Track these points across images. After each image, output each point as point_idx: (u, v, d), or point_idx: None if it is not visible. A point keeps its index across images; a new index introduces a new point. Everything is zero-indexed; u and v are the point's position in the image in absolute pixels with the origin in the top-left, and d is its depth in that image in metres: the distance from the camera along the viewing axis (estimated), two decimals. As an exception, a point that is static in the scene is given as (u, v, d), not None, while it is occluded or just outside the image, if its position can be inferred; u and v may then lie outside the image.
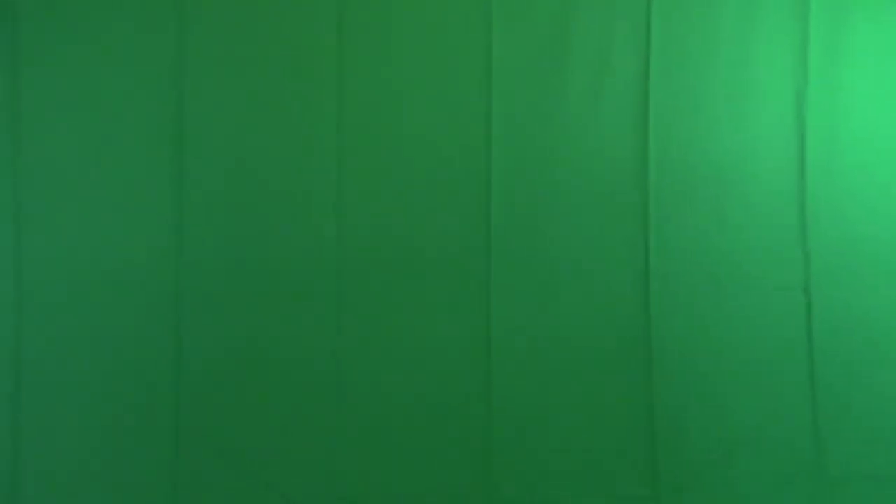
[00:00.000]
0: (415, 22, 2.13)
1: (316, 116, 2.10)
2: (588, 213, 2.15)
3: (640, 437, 2.14)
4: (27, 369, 2.02)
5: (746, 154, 2.19)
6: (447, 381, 2.11)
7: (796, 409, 2.18)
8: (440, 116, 2.13)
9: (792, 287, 2.19)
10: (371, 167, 2.11)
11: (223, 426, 2.06)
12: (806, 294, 2.20)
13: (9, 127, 2.04)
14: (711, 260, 2.18)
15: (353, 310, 2.09)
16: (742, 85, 2.20)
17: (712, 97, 2.19)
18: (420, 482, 2.10)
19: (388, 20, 2.13)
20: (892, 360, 2.22)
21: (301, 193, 2.10)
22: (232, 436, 2.06)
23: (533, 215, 2.14)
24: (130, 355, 2.04)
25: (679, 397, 2.16)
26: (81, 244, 2.04)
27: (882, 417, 2.21)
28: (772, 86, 2.21)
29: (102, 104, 2.06)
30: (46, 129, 2.05)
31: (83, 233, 2.05)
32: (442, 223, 2.12)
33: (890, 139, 2.25)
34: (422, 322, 2.11)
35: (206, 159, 2.07)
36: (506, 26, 2.14)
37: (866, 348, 2.21)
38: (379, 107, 2.12)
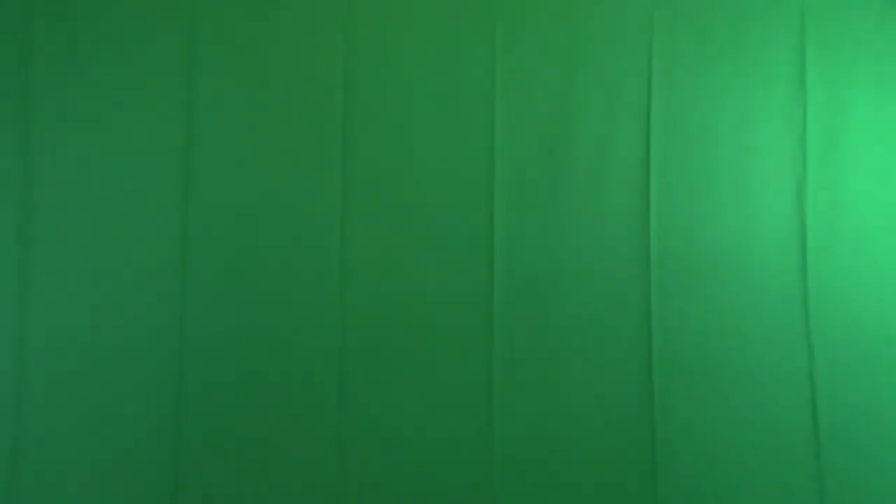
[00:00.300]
0: (420, 101, 2.14)
1: (322, 184, 2.08)
2: (590, 295, 2.13)
3: None
4: (28, 439, 1.96)
5: (748, 242, 2.19)
6: (450, 457, 2.05)
7: (803, 496, 2.12)
8: (444, 195, 2.12)
9: (796, 376, 2.16)
10: (375, 237, 2.09)
11: (223, 484, 1.99)
12: (811, 382, 2.17)
13: (18, 185, 2.01)
14: (714, 348, 2.16)
15: (355, 382, 2.05)
16: (742, 173, 2.22)
17: (713, 184, 2.20)
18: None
19: (392, 94, 2.13)
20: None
21: (304, 252, 2.07)
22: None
23: (535, 295, 2.12)
24: (131, 429, 1.98)
25: (683, 482, 2.10)
26: (86, 317, 2.00)
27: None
28: (772, 174, 2.22)
29: (110, 170, 2.04)
30: (55, 183, 2.02)
31: (88, 306, 2.00)
32: (444, 301, 2.09)
33: (889, 229, 2.26)
34: (424, 394, 2.07)
35: (209, 221, 2.04)
36: (509, 106, 2.15)
37: (873, 438, 2.18)
38: (384, 178, 2.11)
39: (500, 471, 2.06)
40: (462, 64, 2.16)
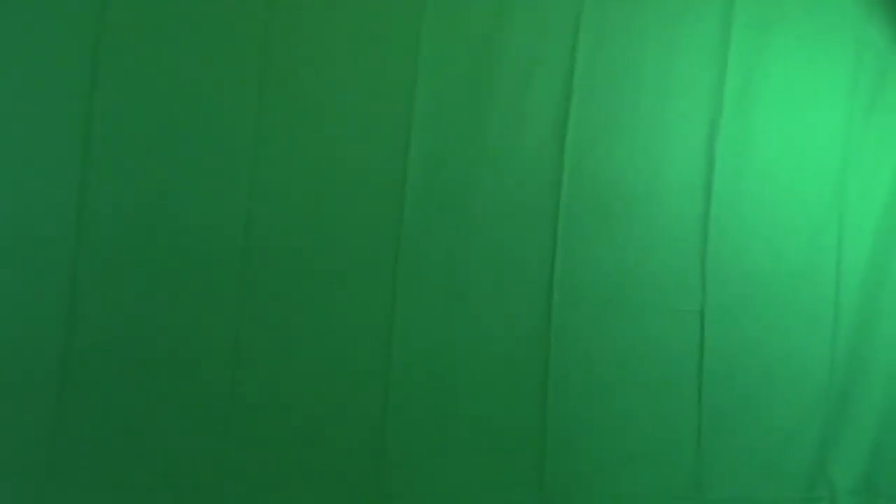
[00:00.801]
0: (340, 26, 2.10)
1: (235, 107, 2.04)
2: (501, 221, 2.17)
3: (530, 446, 2.18)
4: None
5: (657, 177, 2.25)
6: (345, 380, 2.09)
7: (683, 430, 2.26)
8: (361, 116, 2.10)
9: (687, 310, 2.26)
10: (287, 159, 2.07)
11: (113, 399, 1.97)
12: (700, 317, 2.27)
13: None
14: (614, 277, 2.23)
15: (255, 299, 2.05)
16: (659, 110, 2.26)
17: (630, 121, 2.24)
18: (309, 482, 2.07)
19: (313, 22, 2.09)
20: (777, 389, 2.32)
21: (212, 177, 2.03)
22: (122, 410, 1.98)
23: (445, 220, 2.15)
24: (19, 318, 1.93)
25: (572, 408, 2.20)
26: None
27: (763, 443, 2.31)
28: (687, 115, 2.27)
29: (12, 78, 1.94)
30: None
31: None
32: (352, 219, 2.10)
33: (793, 177, 2.34)
34: (324, 316, 2.09)
35: (116, 122, 1.98)
36: (435, 34, 2.13)
37: (754, 375, 2.31)
38: (300, 101, 2.08)
39: (395, 392, 2.11)
40: None
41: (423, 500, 2.13)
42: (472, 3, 2.16)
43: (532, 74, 2.19)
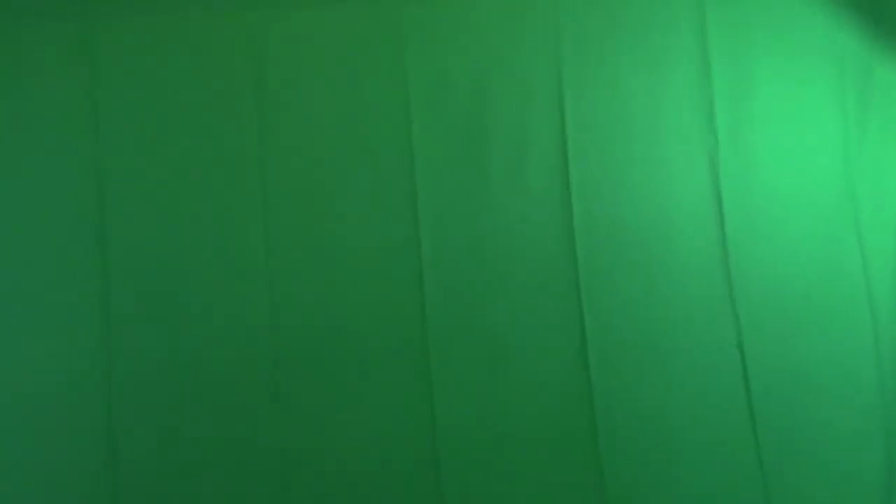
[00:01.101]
0: (334, 110, 2.17)
1: (242, 213, 2.10)
2: (520, 287, 2.18)
3: None
4: None
5: (667, 219, 2.26)
6: (393, 474, 2.09)
7: (744, 465, 2.21)
8: (367, 206, 2.15)
9: (725, 345, 2.24)
10: (301, 261, 2.11)
11: None
12: (740, 349, 2.25)
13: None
14: (645, 325, 2.22)
15: (291, 405, 2.07)
16: (657, 152, 2.28)
17: (629, 166, 2.26)
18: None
19: (309, 110, 2.16)
20: (830, 403, 2.27)
21: (231, 291, 2.08)
22: None
23: (466, 294, 2.16)
24: (63, 475, 1.98)
25: (627, 466, 2.16)
26: (7, 364, 1.99)
27: (825, 460, 2.25)
28: (684, 152, 2.29)
29: (21, 217, 2.04)
30: None
31: (8, 353, 2.00)
32: (375, 311, 2.12)
33: (801, 191, 2.34)
34: (363, 414, 2.09)
35: (129, 256, 2.05)
36: (423, 116, 2.18)
37: (804, 395, 2.26)
38: (305, 201, 2.13)
39: (445, 464, 2.10)
40: (374, 70, 2.19)
41: None
42: (453, 81, 2.21)
43: (525, 138, 2.22)
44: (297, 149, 2.14)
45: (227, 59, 2.14)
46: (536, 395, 2.15)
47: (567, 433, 2.15)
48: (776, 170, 2.33)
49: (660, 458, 2.19)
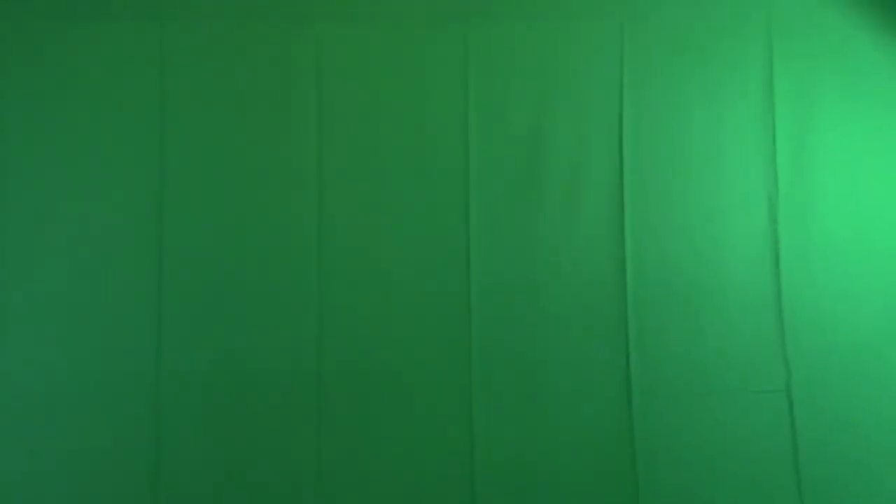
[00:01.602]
0: (393, 137, 2.16)
1: (297, 231, 2.11)
2: (568, 323, 2.16)
3: None
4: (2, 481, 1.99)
5: (721, 262, 2.22)
6: (431, 494, 2.07)
7: None
8: (420, 232, 2.14)
9: (773, 390, 2.20)
10: (353, 281, 2.12)
11: None
12: (788, 396, 2.20)
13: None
14: (691, 368, 2.18)
15: (332, 424, 2.07)
16: (714, 194, 2.24)
17: (686, 207, 2.23)
18: None
19: (367, 128, 2.15)
20: (877, 459, 2.22)
21: (282, 307, 2.09)
22: None
23: (513, 328, 2.14)
24: (107, 473, 2.01)
25: None
26: (61, 359, 2.03)
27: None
28: (743, 191, 2.25)
29: (80, 217, 2.08)
30: (26, 248, 2.07)
31: (62, 348, 2.03)
32: (423, 336, 2.12)
33: (860, 239, 2.29)
34: (404, 435, 2.09)
35: (184, 259, 2.08)
36: (482, 142, 2.17)
37: (851, 448, 2.21)
38: (359, 223, 2.13)
39: (482, 495, 2.08)
40: (436, 93, 2.18)
41: None
42: (513, 107, 2.19)
43: (580, 171, 2.20)
44: (354, 168, 2.14)
45: (290, 71, 2.14)
46: (577, 432, 2.13)
47: (606, 473, 2.13)
48: (836, 217, 2.28)
49: (700, 498, 2.15)
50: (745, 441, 2.17)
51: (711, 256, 2.21)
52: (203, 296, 2.07)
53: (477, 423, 2.10)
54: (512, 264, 2.15)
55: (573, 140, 2.20)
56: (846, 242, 2.28)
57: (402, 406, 2.09)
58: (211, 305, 2.07)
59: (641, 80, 2.23)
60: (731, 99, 2.26)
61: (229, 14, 2.15)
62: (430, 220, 2.14)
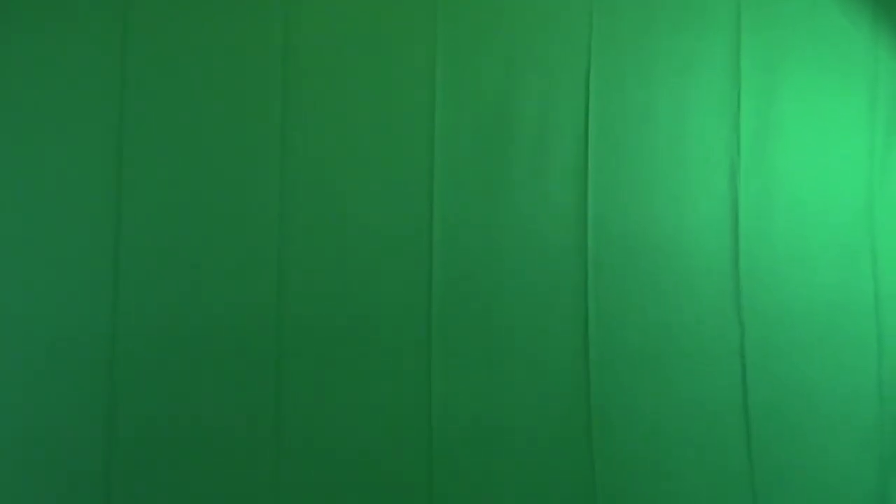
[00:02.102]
0: (359, 83, 2.14)
1: (258, 175, 2.09)
2: (528, 284, 2.17)
3: None
4: None
5: (682, 226, 2.25)
6: (387, 453, 2.10)
7: (734, 472, 2.22)
8: (383, 185, 2.14)
9: (727, 353, 2.24)
10: (313, 234, 2.10)
11: (157, 492, 2.01)
12: (741, 359, 2.24)
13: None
14: (648, 325, 2.21)
15: (291, 378, 2.07)
16: (678, 156, 2.26)
17: (649, 170, 2.24)
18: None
19: (334, 84, 2.13)
20: (826, 424, 2.28)
21: (240, 258, 2.07)
22: (166, 502, 2.01)
23: (474, 286, 2.15)
24: (61, 421, 1.99)
25: (619, 468, 2.17)
26: (12, 309, 1.99)
27: (819, 481, 2.26)
28: (706, 157, 2.27)
29: (37, 164, 2.03)
30: None
31: (14, 297, 1.99)
32: (382, 292, 2.12)
33: (820, 207, 2.32)
34: (362, 392, 2.10)
35: (142, 216, 2.04)
36: (448, 99, 2.16)
37: (801, 412, 2.27)
38: (321, 167, 2.11)
39: (439, 450, 2.11)
40: (404, 53, 2.16)
41: None
42: (481, 66, 2.19)
43: (547, 133, 2.21)
44: (319, 124, 2.12)
45: (256, 22, 2.11)
46: (534, 389, 2.16)
47: (562, 429, 2.16)
48: (796, 184, 2.31)
49: (651, 461, 2.20)
50: (697, 402, 2.21)
51: (673, 220, 2.24)
52: (161, 245, 2.05)
53: (435, 379, 2.12)
54: (475, 224, 2.16)
55: (540, 102, 2.21)
56: (806, 208, 2.31)
57: (361, 360, 2.10)
58: (169, 255, 2.05)
59: (610, 45, 2.23)
60: (698, 65, 2.27)
61: None
62: (394, 178, 2.14)
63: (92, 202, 2.03)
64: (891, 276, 2.35)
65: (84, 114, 2.04)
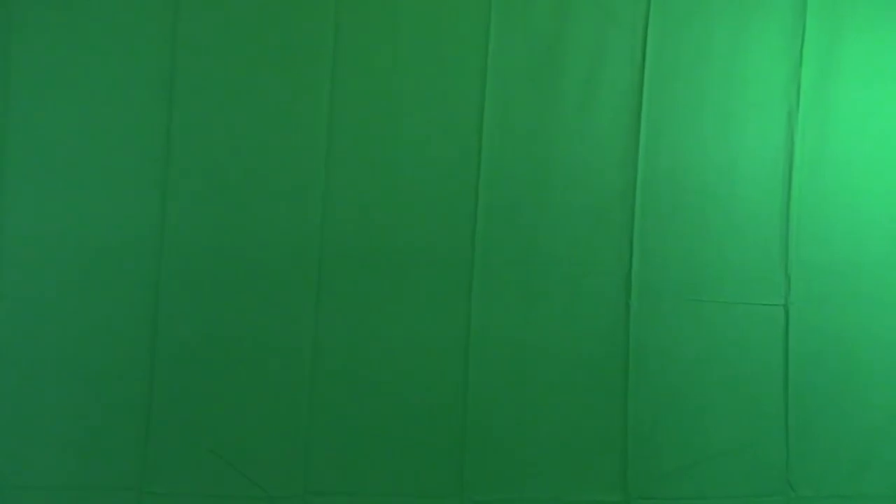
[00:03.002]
0: (412, 22, 2.12)
1: (307, 108, 2.08)
2: (574, 220, 2.15)
3: (613, 445, 2.16)
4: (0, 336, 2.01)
5: (734, 170, 2.21)
6: (424, 380, 2.11)
7: (769, 425, 2.21)
8: (432, 117, 2.12)
9: (771, 304, 2.21)
10: (361, 161, 2.10)
11: (197, 412, 2.05)
12: (784, 311, 2.22)
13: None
14: (693, 273, 2.19)
15: (332, 301, 2.09)
16: (734, 101, 2.21)
17: (704, 112, 2.20)
18: (392, 479, 2.10)
19: (385, 20, 2.11)
20: (864, 383, 2.25)
21: (287, 182, 2.08)
22: (205, 423, 2.06)
23: (519, 219, 2.14)
24: (106, 337, 2.03)
25: (653, 407, 2.17)
26: (64, 223, 2.02)
27: (853, 438, 2.25)
28: (763, 103, 2.22)
29: (92, 86, 2.03)
30: (35, 109, 2.02)
31: (66, 212, 2.02)
32: (427, 221, 2.12)
33: (875, 161, 2.27)
34: (401, 318, 2.11)
35: (193, 144, 2.05)
36: (503, 30, 2.13)
37: (841, 369, 2.25)
38: (371, 104, 2.10)
39: (475, 383, 2.12)
40: None
41: (502, 497, 2.13)
42: (536, 2, 2.15)
43: (601, 65, 2.17)
44: (369, 45, 2.10)
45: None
46: (573, 324, 2.15)
47: (598, 363, 2.16)
48: (853, 135, 2.26)
49: (687, 401, 2.19)
50: (737, 350, 2.20)
51: (725, 163, 2.20)
52: (210, 168, 2.06)
53: (474, 310, 2.12)
54: (523, 156, 2.14)
55: (595, 36, 2.16)
56: (861, 161, 2.26)
57: (401, 288, 2.10)
58: (216, 178, 2.06)
59: None
60: (761, 11, 2.21)
61: None
62: (444, 109, 2.12)
63: (143, 123, 2.04)
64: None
65: (138, 41, 2.04)
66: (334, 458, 2.09)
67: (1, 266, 2.01)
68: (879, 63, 2.26)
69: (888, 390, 2.27)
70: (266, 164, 2.07)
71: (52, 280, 2.02)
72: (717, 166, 2.20)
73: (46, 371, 2.02)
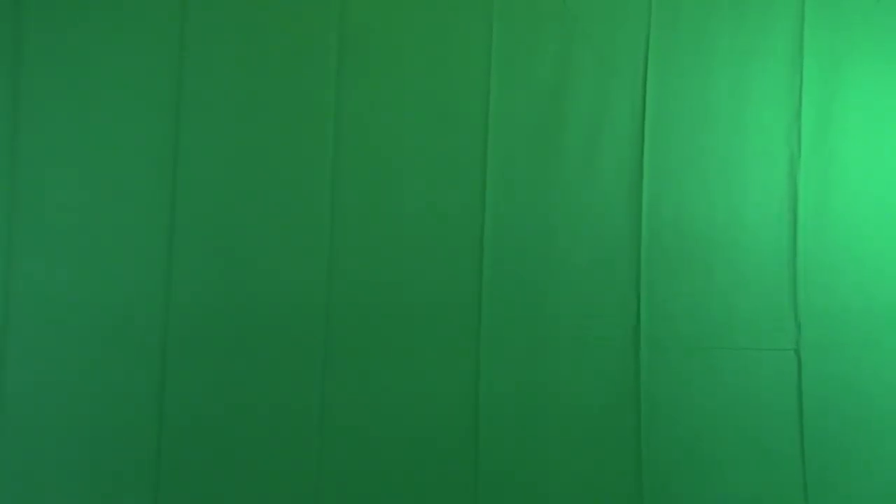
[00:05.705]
0: (413, 75, 2.14)
1: (311, 171, 2.10)
2: (580, 271, 2.16)
3: (627, 498, 2.13)
4: (8, 403, 1.99)
5: (738, 219, 2.21)
6: (433, 435, 2.10)
7: (786, 474, 2.18)
8: (436, 171, 2.14)
9: (782, 349, 2.19)
10: (365, 218, 2.11)
11: (205, 473, 2.04)
12: (796, 356, 2.20)
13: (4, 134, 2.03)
14: (702, 323, 2.18)
15: (340, 358, 2.08)
16: (736, 149, 2.22)
17: (706, 161, 2.21)
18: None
19: (388, 60, 2.14)
20: (879, 427, 2.22)
21: (293, 241, 2.09)
22: (214, 483, 2.04)
23: (525, 272, 2.14)
24: (113, 399, 2.02)
25: (667, 461, 2.14)
26: (70, 285, 2.02)
27: (869, 484, 2.20)
28: (765, 151, 2.23)
29: (97, 150, 2.06)
30: (42, 171, 2.04)
31: (72, 274, 2.03)
32: (433, 275, 2.12)
33: (881, 206, 2.27)
34: (409, 373, 2.10)
35: (197, 203, 2.07)
36: (504, 83, 2.15)
37: (855, 413, 2.21)
38: (376, 159, 2.12)
39: (485, 432, 2.10)
40: (459, 39, 2.16)
41: None
42: (537, 51, 2.17)
43: (603, 116, 2.19)
44: (373, 101, 2.12)
45: (313, 8, 2.12)
46: (583, 373, 2.14)
47: (609, 414, 2.14)
48: (857, 180, 2.26)
49: (701, 454, 2.16)
50: (750, 398, 2.17)
51: (729, 213, 2.20)
52: (215, 229, 2.07)
53: (483, 366, 2.11)
54: (527, 209, 2.15)
55: (595, 89, 2.19)
56: (866, 207, 2.25)
57: (409, 345, 2.10)
58: (223, 239, 2.07)
59: (669, 31, 2.20)
60: (760, 58, 2.23)
61: None
62: (447, 163, 2.13)
63: (147, 184, 2.06)
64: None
65: (141, 92, 2.07)
66: None
67: (7, 330, 2.01)
68: (879, 108, 2.27)
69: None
70: (272, 223, 2.09)
71: (59, 343, 2.02)
72: (721, 214, 2.20)
73: (53, 436, 2.01)
